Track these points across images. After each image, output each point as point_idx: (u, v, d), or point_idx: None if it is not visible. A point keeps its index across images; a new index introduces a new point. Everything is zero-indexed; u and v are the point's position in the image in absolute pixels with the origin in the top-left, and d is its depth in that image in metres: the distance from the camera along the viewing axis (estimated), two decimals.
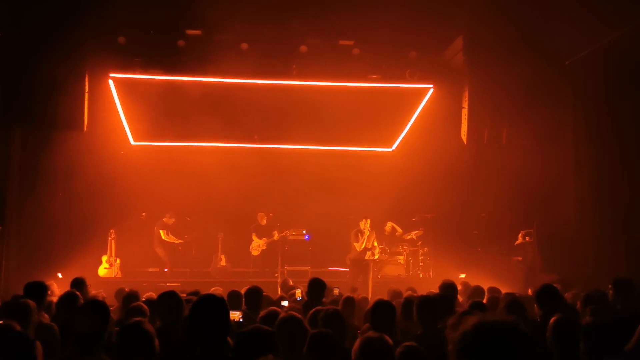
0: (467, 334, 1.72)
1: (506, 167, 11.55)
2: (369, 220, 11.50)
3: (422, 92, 12.30)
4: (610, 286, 5.93)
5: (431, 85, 12.11)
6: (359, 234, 11.49)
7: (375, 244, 11.66)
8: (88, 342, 3.36)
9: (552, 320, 3.74)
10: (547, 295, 4.83)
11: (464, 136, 11.37)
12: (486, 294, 7.02)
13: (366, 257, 11.45)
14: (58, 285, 7.75)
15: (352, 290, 8.96)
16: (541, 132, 11.01)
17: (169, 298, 4.75)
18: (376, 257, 11.59)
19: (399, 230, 12.94)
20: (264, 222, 12.96)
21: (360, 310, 6.07)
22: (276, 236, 12.71)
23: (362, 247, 11.45)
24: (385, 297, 7.00)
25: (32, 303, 4.56)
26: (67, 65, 10.06)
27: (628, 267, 9.27)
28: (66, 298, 5.56)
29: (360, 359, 3.30)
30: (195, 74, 11.37)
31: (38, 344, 3.09)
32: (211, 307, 3.15)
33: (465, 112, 11.31)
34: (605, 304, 5.06)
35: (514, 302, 5.14)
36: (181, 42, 10.88)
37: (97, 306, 3.59)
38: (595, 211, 10.72)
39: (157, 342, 3.14)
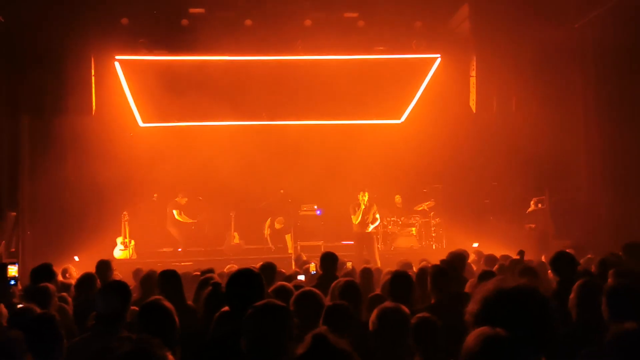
0: (488, 300, 1.73)
1: (516, 134, 11.43)
2: (367, 193, 11.29)
3: (429, 62, 12.16)
4: (621, 250, 5.93)
5: (438, 55, 11.97)
6: (356, 207, 11.37)
7: (377, 216, 11.46)
8: (110, 321, 3.45)
9: (577, 283, 3.74)
10: (564, 261, 4.82)
11: (472, 105, 11.28)
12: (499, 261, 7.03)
13: (366, 230, 11.36)
14: (75, 268, 7.86)
15: (365, 262, 8.99)
16: (551, 97, 10.88)
17: (169, 276, 4.84)
18: (369, 229, 11.32)
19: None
20: (280, 227, 12.92)
21: (375, 281, 6.11)
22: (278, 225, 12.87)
23: (359, 220, 11.28)
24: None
25: (52, 286, 4.67)
26: (72, 49, 10.06)
27: None
28: (83, 280, 5.67)
29: (377, 329, 3.34)
30: (200, 53, 11.29)
31: None
32: (248, 281, 3.20)
33: (473, 81, 11.20)
34: (621, 268, 5.05)
35: (526, 269, 5.16)
36: (185, 21, 10.80)
37: (119, 287, 3.69)
38: (606, 175, 10.65)
39: (177, 319, 3.19)
